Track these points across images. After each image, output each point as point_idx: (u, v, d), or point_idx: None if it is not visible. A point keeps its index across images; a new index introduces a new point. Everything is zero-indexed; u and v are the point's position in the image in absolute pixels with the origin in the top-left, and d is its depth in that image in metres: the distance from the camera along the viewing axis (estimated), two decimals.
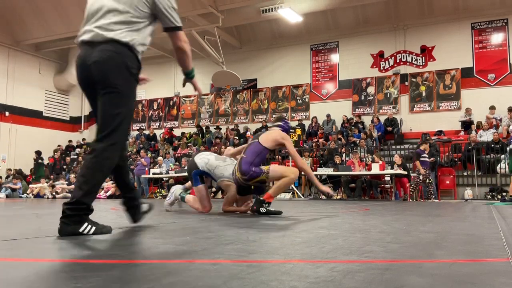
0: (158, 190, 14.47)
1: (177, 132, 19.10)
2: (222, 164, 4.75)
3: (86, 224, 2.46)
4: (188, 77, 3.14)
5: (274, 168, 4.42)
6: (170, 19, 2.81)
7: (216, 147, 15.48)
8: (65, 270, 1.50)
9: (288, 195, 12.49)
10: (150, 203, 3.34)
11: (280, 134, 4.66)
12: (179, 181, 12.81)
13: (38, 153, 18.38)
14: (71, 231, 2.41)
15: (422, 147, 11.03)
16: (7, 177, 16.51)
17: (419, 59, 15.93)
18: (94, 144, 2.55)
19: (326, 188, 4.83)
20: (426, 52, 15.83)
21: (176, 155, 16.36)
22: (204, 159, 4.78)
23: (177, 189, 5.26)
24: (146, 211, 3.24)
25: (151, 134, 19.04)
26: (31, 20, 17.25)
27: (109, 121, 2.54)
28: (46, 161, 18.67)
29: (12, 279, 1.32)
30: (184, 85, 3.37)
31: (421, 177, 10.72)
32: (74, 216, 2.43)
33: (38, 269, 1.51)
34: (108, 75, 2.55)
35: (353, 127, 15.47)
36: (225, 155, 5.02)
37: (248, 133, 16.70)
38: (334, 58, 17.17)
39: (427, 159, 10.94)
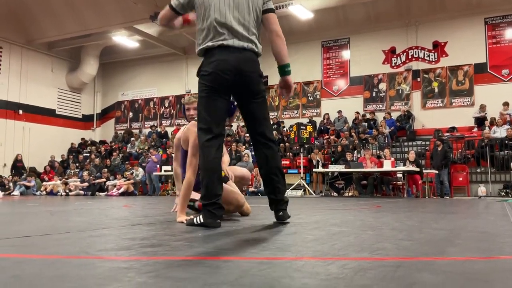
0: (169, 187, 14.54)
1: None
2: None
3: None
4: (284, 72, 3.00)
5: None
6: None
7: (226, 146, 15.52)
8: (86, 266, 1.52)
9: (299, 192, 12.49)
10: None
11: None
12: None
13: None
14: (288, 216, 2.99)
15: None
16: (21, 174, 16.71)
17: (432, 55, 15.78)
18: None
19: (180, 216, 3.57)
20: (439, 48, 15.67)
21: None
22: None
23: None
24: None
25: (162, 132, 19.13)
26: (43, 19, 17.41)
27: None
28: (59, 159, 18.86)
29: (26, 276, 1.34)
30: (282, 87, 3.07)
31: None
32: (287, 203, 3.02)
33: (51, 265, 1.53)
34: None
35: (363, 123, 15.40)
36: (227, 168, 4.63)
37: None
38: (345, 54, 17.07)
39: None
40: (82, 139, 20.42)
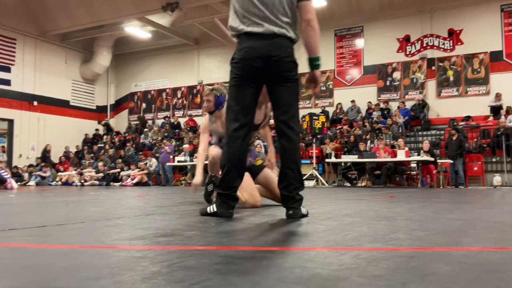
0: (182, 177, 14.62)
1: (200, 121, 19.21)
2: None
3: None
4: (314, 64, 2.88)
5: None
6: None
7: None
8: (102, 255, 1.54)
9: (312, 183, 12.47)
10: None
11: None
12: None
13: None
14: (301, 214, 2.78)
15: None
16: (37, 165, 16.95)
17: (447, 43, 15.55)
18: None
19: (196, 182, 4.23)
20: (454, 36, 15.43)
21: None
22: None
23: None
24: None
25: (175, 122, 19.21)
26: (57, 11, 17.51)
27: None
28: (73, 150, 19.07)
29: (41, 265, 1.36)
30: (310, 81, 2.94)
31: None
32: (301, 200, 2.84)
33: (66, 255, 1.55)
34: None
35: (375, 112, 15.26)
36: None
37: (272, 121, 16.63)
38: (359, 43, 16.90)
39: None
40: (96, 129, 20.60)
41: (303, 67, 2.87)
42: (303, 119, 12.78)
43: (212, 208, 2.82)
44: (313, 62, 2.87)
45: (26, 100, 18.37)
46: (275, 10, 2.74)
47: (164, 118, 19.79)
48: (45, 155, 17.97)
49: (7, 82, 17.81)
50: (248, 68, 2.76)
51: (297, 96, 2.91)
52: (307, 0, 2.80)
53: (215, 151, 4.16)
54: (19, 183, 14.20)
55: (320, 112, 15.19)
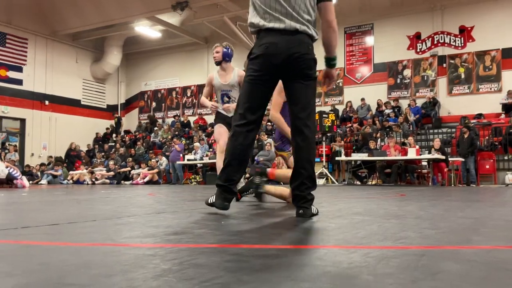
0: (192, 176, 14.67)
1: (210, 119, 19.24)
2: None
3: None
4: (330, 64, 2.92)
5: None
6: None
7: None
8: (112, 253, 1.55)
9: (322, 181, 12.44)
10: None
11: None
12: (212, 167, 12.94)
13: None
14: (311, 214, 2.74)
15: None
16: (48, 164, 17.11)
17: (458, 40, 15.41)
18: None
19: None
20: (465, 33, 15.28)
21: (210, 141, 16.51)
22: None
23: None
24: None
25: (185, 121, 19.26)
26: (67, 11, 17.65)
27: None
28: (84, 149, 19.23)
29: (54, 263, 1.37)
30: (325, 77, 3.00)
31: None
32: (312, 200, 2.81)
33: (77, 252, 1.57)
34: None
35: (387, 110, 15.17)
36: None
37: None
38: (369, 40, 16.81)
39: None
40: (107, 128, 20.74)
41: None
42: None
43: (212, 199, 2.92)
44: (330, 62, 2.90)
45: (38, 100, 18.56)
46: (297, 7, 2.72)
47: (174, 116, 19.87)
48: (69, 154, 18.17)
49: (19, 82, 18.00)
50: (267, 65, 2.72)
51: (315, 94, 2.90)
52: (329, 1, 2.78)
53: (222, 141, 4.51)
54: (31, 182, 14.34)
55: (330, 110, 15.14)
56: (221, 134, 4.83)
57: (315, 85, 2.84)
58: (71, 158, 18.02)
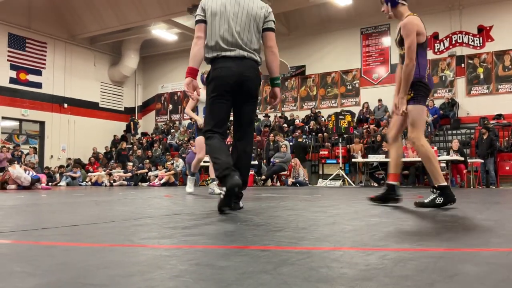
0: (209, 178, 14.69)
1: None
2: None
3: None
4: (274, 84, 3.42)
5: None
6: (274, 21, 3.42)
7: (264, 136, 15.52)
8: (128, 253, 1.57)
9: (338, 183, 12.38)
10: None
11: None
12: None
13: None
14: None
15: None
16: (67, 166, 17.34)
17: (476, 40, 15.20)
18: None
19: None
20: (484, 32, 15.07)
21: (228, 143, 16.56)
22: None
23: None
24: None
25: None
26: (85, 14, 17.91)
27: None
28: (103, 151, 19.42)
29: (73, 263, 1.40)
30: (271, 97, 3.48)
31: None
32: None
33: (97, 253, 1.59)
34: None
35: None
36: None
37: (297, 121, 16.58)
38: (386, 41, 16.68)
39: None
40: (125, 131, 20.94)
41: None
42: (329, 119, 12.70)
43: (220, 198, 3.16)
44: (274, 81, 3.41)
45: (57, 103, 18.85)
46: (245, 38, 3.24)
47: (190, 119, 19.94)
48: (120, 153, 18.18)
49: (38, 85, 18.31)
50: (223, 84, 3.17)
51: (255, 113, 3.50)
52: (271, 31, 3.34)
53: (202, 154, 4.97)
54: (50, 184, 14.55)
55: (346, 111, 15.06)
56: (202, 148, 5.47)
57: (257, 102, 3.44)
58: (122, 158, 17.70)
